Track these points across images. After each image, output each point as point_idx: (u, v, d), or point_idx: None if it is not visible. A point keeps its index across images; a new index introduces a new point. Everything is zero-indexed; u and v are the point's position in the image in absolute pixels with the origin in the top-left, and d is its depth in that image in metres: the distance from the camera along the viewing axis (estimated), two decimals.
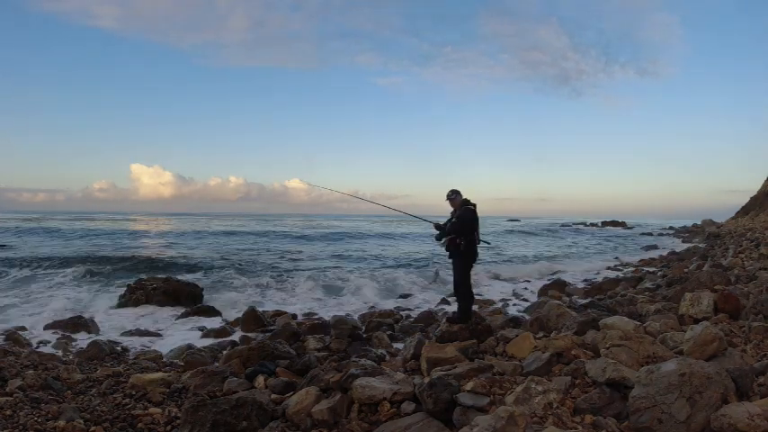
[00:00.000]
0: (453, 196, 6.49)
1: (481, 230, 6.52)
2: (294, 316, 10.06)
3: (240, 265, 18.88)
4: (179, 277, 12.71)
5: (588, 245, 35.56)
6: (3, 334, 7.90)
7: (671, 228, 60.96)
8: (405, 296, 13.18)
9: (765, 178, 57.79)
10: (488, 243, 7.60)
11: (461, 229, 6.27)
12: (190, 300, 11.52)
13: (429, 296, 13.10)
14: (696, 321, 5.57)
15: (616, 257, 24.44)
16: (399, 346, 7.21)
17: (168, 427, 4.29)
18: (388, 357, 6.55)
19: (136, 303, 11.21)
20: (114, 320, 10.09)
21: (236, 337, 8.31)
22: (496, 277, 16.63)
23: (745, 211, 56.18)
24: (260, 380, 5.33)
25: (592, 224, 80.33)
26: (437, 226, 6.68)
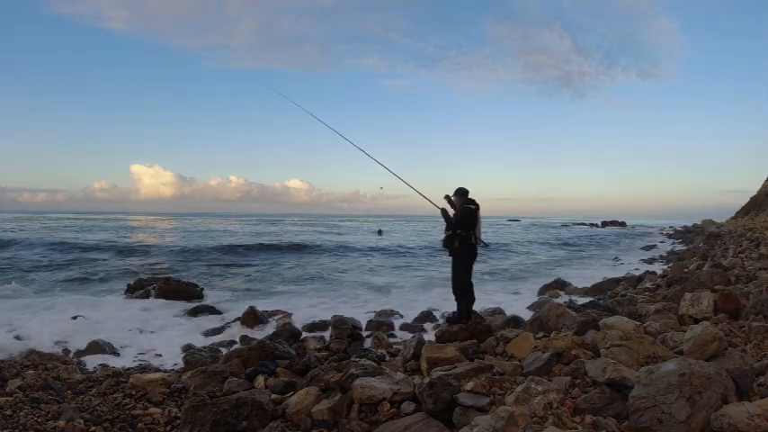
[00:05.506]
0: (454, 197, 6.43)
1: (481, 230, 6.48)
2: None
3: (241, 265, 18.88)
4: (179, 277, 12.70)
5: (590, 245, 35.57)
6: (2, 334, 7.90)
7: (671, 228, 60.97)
8: (405, 296, 13.16)
9: (765, 178, 57.86)
10: (486, 245, 7.08)
11: (461, 222, 6.22)
12: (190, 300, 11.52)
13: (429, 296, 13.09)
14: (696, 321, 5.57)
15: (616, 257, 24.57)
16: (400, 346, 7.21)
17: (168, 427, 4.29)
18: (388, 357, 6.55)
19: (136, 303, 11.21)
20: (114, 320, 10.08)
21: (236, 336, 8.31)
22: (497, 278, 16.66)
23: (745, 211, 56.19)
24: (260, 380, 5.33)
25: (592, 224, 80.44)
26: (443, 212, 6.50)
